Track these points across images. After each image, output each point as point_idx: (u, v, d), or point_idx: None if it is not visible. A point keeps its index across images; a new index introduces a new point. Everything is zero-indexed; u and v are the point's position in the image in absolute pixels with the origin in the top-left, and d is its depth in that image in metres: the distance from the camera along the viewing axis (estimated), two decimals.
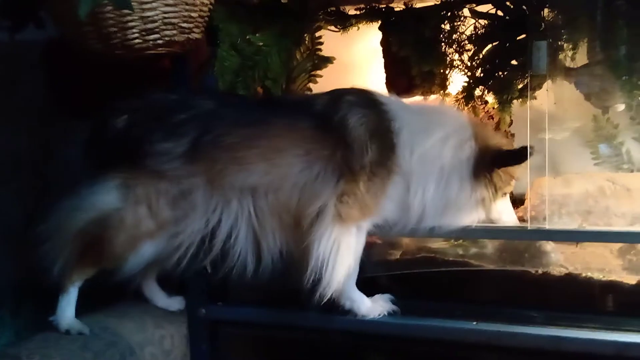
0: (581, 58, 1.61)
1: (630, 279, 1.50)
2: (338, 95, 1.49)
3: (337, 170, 1.41)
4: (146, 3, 1.37)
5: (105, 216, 1.41)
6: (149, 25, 1.39)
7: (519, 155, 1.44)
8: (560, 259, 1.57)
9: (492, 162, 1.46)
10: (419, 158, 1.44)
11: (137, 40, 1.40)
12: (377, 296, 1.51)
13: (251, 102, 1.60)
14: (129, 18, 1.37)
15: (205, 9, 1.51)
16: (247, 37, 1.71)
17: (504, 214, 1.53)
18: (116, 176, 1.42)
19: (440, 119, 1.51)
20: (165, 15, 1.40)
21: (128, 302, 1.62)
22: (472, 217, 1.48)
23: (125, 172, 1.42)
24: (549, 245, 1.57)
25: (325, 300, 1.40)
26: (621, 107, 1.61)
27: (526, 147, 1.41)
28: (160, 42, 1.43)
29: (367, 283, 1.51)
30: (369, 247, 1.51)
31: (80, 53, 1.50)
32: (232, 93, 1.66)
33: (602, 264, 1.56)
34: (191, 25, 1.47)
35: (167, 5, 1.40)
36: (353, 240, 1.43)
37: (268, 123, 1.46)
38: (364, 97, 1.49)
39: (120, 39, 1.39)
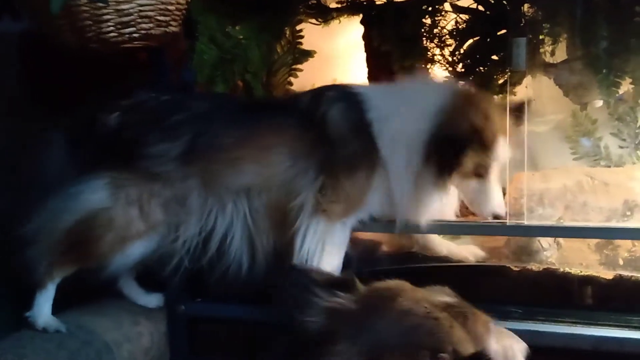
0: (560, 54, 1.62)
1: (607, 274, 1.51)
2: (319, 92, 1.49)
3: (319, 166, 1.41)
4: None
5: (93, 215, 1.39)
6: (125, 19, 1.37)
7: (452, 145, 1.34)
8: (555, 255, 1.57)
9: (434, 143, 1.36)
10: (390, 143, 1.40)
11: (112, 34, 1.38)
12: None
13: (242, 103, 1.59)
14: (104, 11, 1.35)
15: (183, 1, 1.49)
16: (226, 30, 1.70)
17: (482, 200, 1.41)
18: (106, 175, 1.40)
19: (407, 94, 1.45)
20: (141, 8, 1.38)
21: (104, 299, 1.59)
22: (432, 203, 1.40)
23: (116, 171, 1.40)
24: (545, 242, 1.57)
25: None
26: (599, 103, 1.62)
27: (461, 138, 1.33)
28: (136, 35, 1.41)
29: None
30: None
31: (56, 46, 1.47)
32: (222, 93, 1.64)
33: (580, 259, 1.57)
34: (168, 18, 1.45)
35: None
36: (337, 237, 1.43)
37: (257, 123, 1.45)
38: (343, 92, 1.48)
39: (95, 32, 1.37)
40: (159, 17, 1.42)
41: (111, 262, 1.43)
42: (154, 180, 1.40)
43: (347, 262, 1.48)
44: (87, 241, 1.40)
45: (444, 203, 1.45)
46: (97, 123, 1.44)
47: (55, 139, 1.50)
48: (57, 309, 1.42)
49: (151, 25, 1.41)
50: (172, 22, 1.47)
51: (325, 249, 1.40)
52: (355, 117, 1.43)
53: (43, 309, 1.40)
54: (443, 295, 1.13)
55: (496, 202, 1.42)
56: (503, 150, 1.41)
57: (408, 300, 1.06)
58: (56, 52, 1.53)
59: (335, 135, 1.41)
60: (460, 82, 1.65)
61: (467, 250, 1.58)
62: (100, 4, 1.32)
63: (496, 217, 1.42)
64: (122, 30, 1.38)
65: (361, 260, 1.59)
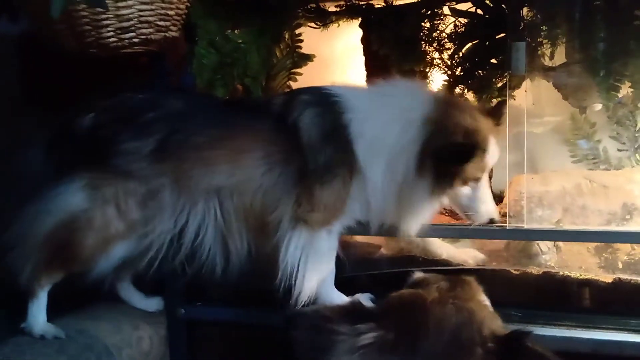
0: (560, 57, 1.62)
1: (606, 277, 1.51)
2: (293, 95, 1.47)
3: (297, 173, 1.38)
4: (121, 1, 1.35)
5: (73, 218, 1.38)
6: (125, 24, 1.37)
7: (459, 154, 1.32)
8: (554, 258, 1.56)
9: (434, 153, 1.33)
10: (368, 147, 1.37)
11: (112, 39, 1.38)
12: (357, 295, 1.50)
13: (218, 103, 1.57)
14: (104, 16, 1.35)
15: (182, 6, 1.49)
16: (226, 34, 1.70)
17: (477, 206, 1.38)
18: (82, 177, 1.39)
19: (389, 100, 1.42)
20: (141, 13, 1.38)
21: (104, 304, 1.60)
22: (425, 213, 1.38)
23: (92, 172, 1.39)
24: (544, 245, 1.56)
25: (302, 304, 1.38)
26: (598, 106, 1.62)
27: (469, 145, 1.31)
28: (136, 40, 1.41)
29: (347, 282, 1.51)
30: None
31: (56, 50, 1.47)
32: (200, 92, 1.63)
33: (579, 262, 1.57)
34: (168, 23, 1.45)
35: (142, 3, 1.38)
36: (323, 245, 1.40)
37: (232, 124, 1.44)
38: (318, 95, 1.43)
39: (94, 37, 1.37)
40: (158, 22, 1.42)
41: (96, 265, 1.42)
42: (129, 178, 1.39)
43: (342, 266, 1.48)
44: (68, 245, 1.39)
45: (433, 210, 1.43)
46: (71, 125, 1.43)
47: (41, 141, 1.49)
48: (56, 315, 1.43)
49: (151, 30, 1.41)
50: (172, 27, 1.47)
51: (309, 258, 1.38)
52: (329, 120, 1.39)
53: (38, 318, 1.39)
54: (438, 278, 1.11)
55: (491, 207, 1.41)
56: (494, 151, 1.39)
57: (434, 306, 1.01)
58: (56, 56, 1.53)
59: (308, 142, 1.38)
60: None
61: (466, 254, 1.58)
62: (100, 9, 1.32)
63: (492, 222, 1.41)
64: (121, 36, 1.38)
65: (360, 264, 1.60)
